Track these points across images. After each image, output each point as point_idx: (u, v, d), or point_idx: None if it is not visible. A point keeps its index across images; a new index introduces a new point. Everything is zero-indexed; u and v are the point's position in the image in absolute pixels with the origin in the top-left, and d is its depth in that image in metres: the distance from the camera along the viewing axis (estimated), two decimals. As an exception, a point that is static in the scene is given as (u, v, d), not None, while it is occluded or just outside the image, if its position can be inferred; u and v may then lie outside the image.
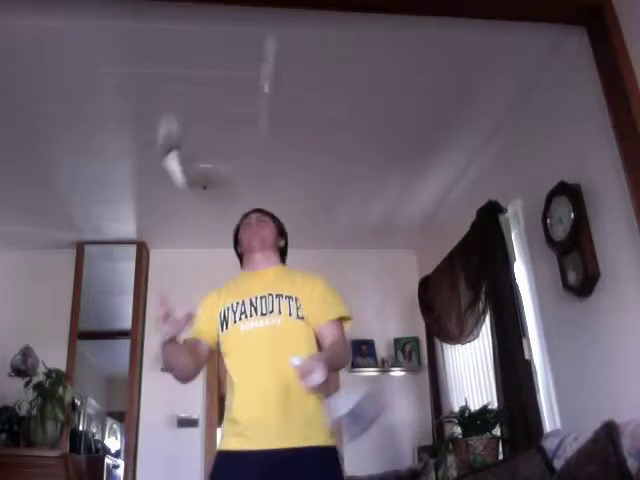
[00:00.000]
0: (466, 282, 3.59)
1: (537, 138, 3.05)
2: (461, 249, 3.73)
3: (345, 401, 1.67)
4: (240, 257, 2.26)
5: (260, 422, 1.84)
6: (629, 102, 2.20)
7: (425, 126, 3.41)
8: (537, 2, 2.45)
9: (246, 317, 1.98)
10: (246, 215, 2.27)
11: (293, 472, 1.77)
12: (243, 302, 2.01)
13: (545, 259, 2.87)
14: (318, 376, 1.67)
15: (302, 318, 1.99)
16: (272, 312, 1.97)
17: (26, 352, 4.31)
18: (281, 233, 2.27)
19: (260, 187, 4.00)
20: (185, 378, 2.02)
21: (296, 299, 2.01)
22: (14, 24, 2.51)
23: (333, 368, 1.87)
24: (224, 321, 2.02)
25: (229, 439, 1.90)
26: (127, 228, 4.56)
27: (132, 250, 4.73)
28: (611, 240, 2.43)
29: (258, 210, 2.27)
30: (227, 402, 2.00)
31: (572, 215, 2.58)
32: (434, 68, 2.91)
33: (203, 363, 2.07)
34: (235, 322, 1.99)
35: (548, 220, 2.77)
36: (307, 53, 2.77)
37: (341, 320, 2.04)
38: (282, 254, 2.26)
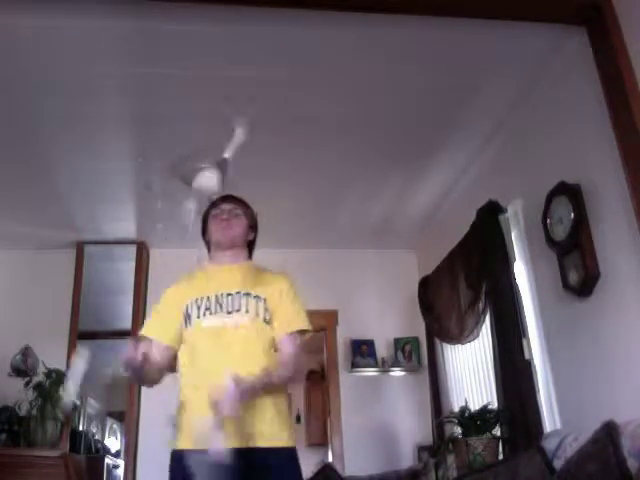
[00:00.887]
0: (466, 282, 3.59)
1: (537, 138, 3.05)
2: (461, 249, 3.73)
3: None
4: (207, 245, 2.18)
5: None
6: (629, 102, 2.20)
7: (425, 126, 3.41)
8: (537, 2, 2.46)
9: (210, 314, 1.93)
10: (216, 202, 2.16)
11: (249, 472, 1.74)
12: (209, 298, 1.95)
13: (545, 259, 2.87)
14: (226, 409, 1.64)
15: (267, 322, 1.95)
16: (239, 311, 1.93)
17: (26, 352, 4.31)
18: (252, 225, 2.19)
19: (260, 187, 3.99)
20: (153, 382, 1.99)
21: (265, 300, 1.97)
22: (14, 24, 2.51)
23: (270, 386, 1.85)
24: (188, 317, 1.96)
25: (185, 438, 1.85)
26: (127, 228, 4.55)
27: (132, 250, 4.73)
28: (611, 240, 2.43)
29: (230, 199, 2.16)
30: (181, 398, 1.95)
31: (572, 215, 2.58)
32: (434, 68, 2.91)
33: (168, 368, 2.01)
34: (198, 317, 1.94)
35: (548, 220, 2.77)
36: (307, 53, 2.77)
37: (300, 332, 2.00)
38: (250, 247, 2.20)
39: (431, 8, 2.45)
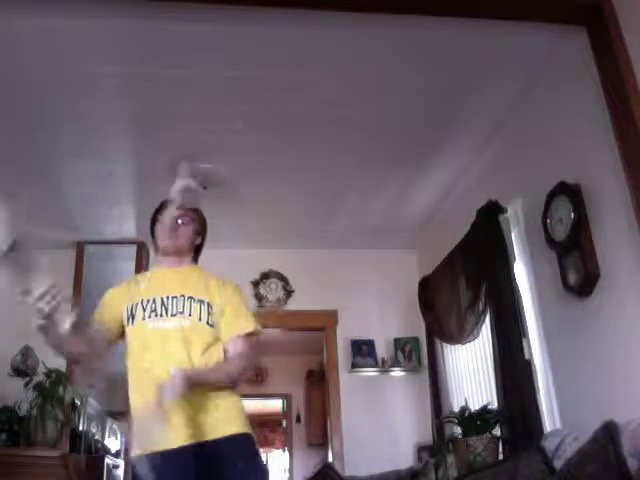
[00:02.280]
0: (466, 282, 3.59)
1: (537, 138, 3.05)
2: (461, 249, 3.73)
3: None
4: (154, 246, 2.18)
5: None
6: (629, 102, 2.20)
7: (425, 126, 3.41)
8: (537, 2, 2.45)
9: (156, 315, 1.96)
10: (164, 206, 2.13)
11: (206, 467, 1.77)
12: (154, 300, 1.98)
13: (545, 259, 2.87)
14: (168, 392, 1.68)
15: (211, 325, 1.98)
16: (182, 313, 1.96)
17: (26, 352, 4.31)
18: (200, 231, 2.19)
19: (260, 187, 4.00)
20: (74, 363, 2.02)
21: (209, 304, 2.00)
22: (14, 24, 2.51)
23: (215, 382, 1.90)
24: (131, 316, 1.98)
25: (143, 443, 1.84)
26: (127, 228, 4.55)
27: (132, 250, 4.72)
28: (611, 240, 2.43)
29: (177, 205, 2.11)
30: (130, 403, 1.98)
31: (572, 215, 2.58)
32: (434, 68, 2.92)
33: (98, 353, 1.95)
34: (144, 319, 1.96)
35: (548, 220, 2.77)
36: (307, 53, 2.77)
37: (247, 334, 2.03)
38: (197, 251, 2.21)
39: (431, 8, 2.45)
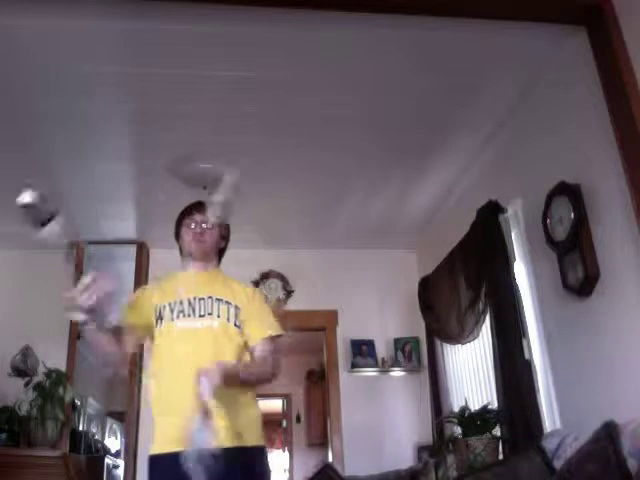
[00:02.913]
0: (466, 282, 3.59)
1: (537, 138, 3.05)
2: (461, 249, 3.73)
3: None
4: (180, 248, 2.23)
5: (181, 423, 1.80)
6: (629, 102, 2.20)
7: (425, 126, 3.41)
8: (537, 2, 2.45)
9: (184, 316, 2.00)
10: (190, 210, 2.18)
11: (223, 471, 1.73)
12: (182, 302, 2.03)
13: (545, 259, 2.87)
14: (205, 385, 1.69)
15: (238, 326, 2.03)
16: (210, 314, 2.01)
17: (26, 352, 4.31)
18: (224, 235, 2.23)
19: (260, 187, 4.00)
20: (113, 367, 2.05)
21: (236, 307, 2.05)
22: (14, 24, 2.51)
23: (243, 381, 1.93)
24: (159, 317, 2.02)
25: (164, 442, 1.88)
26: (127, 228, 4.56)
27: (132, 250, 4.73)
28: (611, 240, 2.43)
29: (203, 209, 2.15)
30: (153, 397, 1.98)
31: (572, 215, 2.58)
32: (434, 68, 2.91)
33: (127, 355, 2.03)
34: (172, 320, 2.00)
35: (548, 220, 2.77)
36: (307, 53, 2.77)
37: (274, 337, 2.08)
38: (220, 254, 2.26)
39: (431, 8, 2.45)
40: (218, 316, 2.01)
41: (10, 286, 4.55)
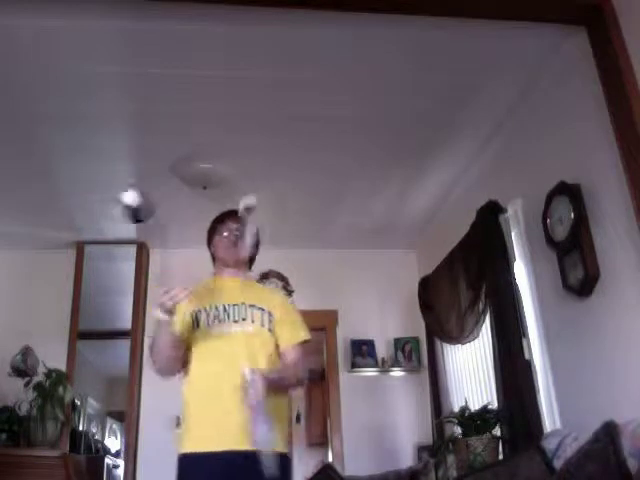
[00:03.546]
0: (466, 282, 3.59)
1: (537, 138, 3.05)
2: (461, 249, 3.73)
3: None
4: (211, 254, 2.32)
5: (220, 424, 1.91)
6: (629, 102, 2.20)
7: (425, 126, 3.41)
8: (537, 2, 2.45)
9: (219, 322, 2.07)
10: (224, 219, 2.25)
11: (247, 476, 1.82)
12: (217, 307, 2.11)
13: (545, 259, 2.87)
14: (252, 396, 1.76)
15: (271, 331, 2.10)
16: (245, 320, 2.08)
17: (26, 352, 4.31)
18: (255, 243, 2.27)
19: (260, 187, 3.99)
20: (169, 372, 2.09)
21: (269, 313, 2.12)
22: (14, 24, 2.51)
23: (277, 388, 1.96)
24: (195, 321, 2.09)
25: (193, 440, 1.96)
26: (127, 228, 4.55)
27: (132, 250, 4.73)
28: (611, 240, 2.43)
29: (237, 217, 2.20)
30: (185, 398, 2.05)
31: (572, 215, 2.58)
32: (434, 68, 2.91)
33: (180, 362, 2.10)
34: (208, 325, 2.07)
35: (548, 220, 2.77)
36: (307, 53, 2.77)
37: (302, 342, 2.15)
38: (251, 262, 2.34)
39: (431, 8, 2.45)
40: (252, 321, 2.08)
41: (10, 286, 4.55)
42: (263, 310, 2.12)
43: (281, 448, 1.96)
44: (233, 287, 2.18)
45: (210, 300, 2.13)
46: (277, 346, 2.13)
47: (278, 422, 1.97)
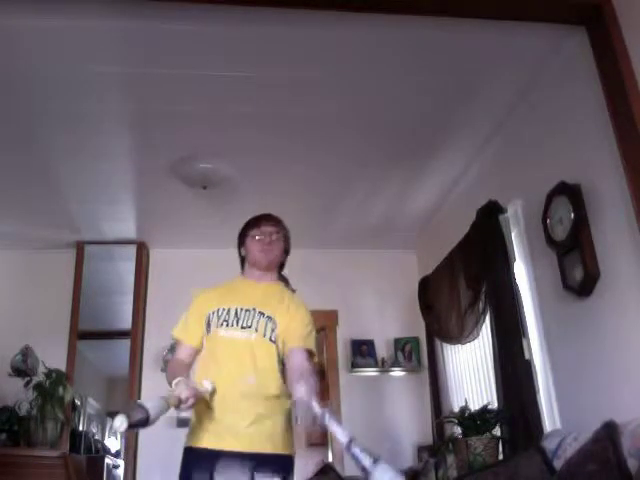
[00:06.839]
0: (466, 282, 3.59)
1: (537, 138, 3.05)
2: (461, 249, 3.73)
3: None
4: (241, 257, 2.31)
5: (222, 426, 1.97)
6: (629, 102, 2.20)
7: (425, 126, 3.41)
8: (537, 2, 2.45)
9: (227, 325, 2.09)
10: (258, 222, 2.26)
11: (253, 476, 1.89)
12: (229, 310, 2.12)
13: (545, 259, 2.87)
14: (307, 419, 1.77)
15: (273, 341, 2.08)
16: (250, 327, 2.08)
17: (26, 352, 4.31)
18: (287, 249, 2.31)
19: (260, 187, 4.00)
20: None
21: (274, 321, 2.10)
22: (14, 24, 2.51)
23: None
24: (208, 325, 2.13)
25: (200, 436, 2.02)
26: (127, 228, 4.56)
27: (132, 250, 4.73)
28: (611, 240, 2.43)
29: (273, 220, 2.26)
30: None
31: (572, 215, 2.58)
32: (434, 68, 2.91)
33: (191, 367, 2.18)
34: (217, 327, 2.10)
35: (548, 220, 2.77)
36: (307, 53, 2.77)
37: (309, 352, 2.12)
38: (281, 267, 2.34)
39: (431, 8, 2.45)
40: (256, 330, 2.07)
41: (10, 286, 4.55)
42: (270, 318, 2.10)
43: (287, 450, 2.02)
44: (252, 291, 2.19)
45: (225, 301, 2.15)
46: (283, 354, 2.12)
47: (283, 423, 2.03)
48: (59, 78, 2.86)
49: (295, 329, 2.11)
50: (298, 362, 2.02)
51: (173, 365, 2.17)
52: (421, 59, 2.85)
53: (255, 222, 2.26)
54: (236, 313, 2.11)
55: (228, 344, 2.07)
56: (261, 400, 2.00)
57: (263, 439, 1.97)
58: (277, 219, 2.28)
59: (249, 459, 1.91)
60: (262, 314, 2.11)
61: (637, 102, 2.18)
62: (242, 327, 2.08)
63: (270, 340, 2.08)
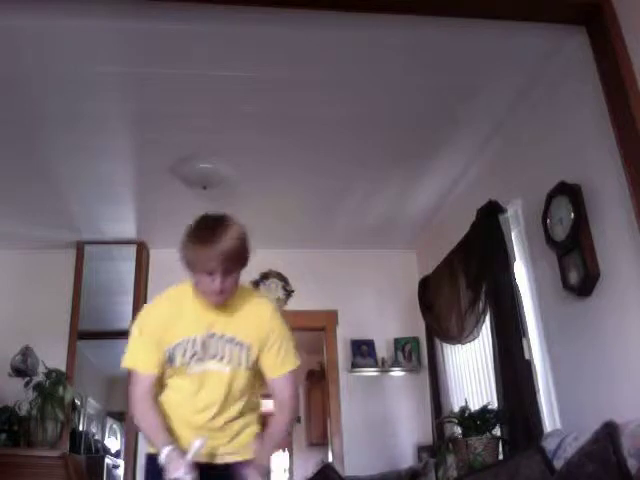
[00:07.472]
0: (466, 282, 3.59)
1: (537, 138, 3.05)
2: (461, 249, 3.73)
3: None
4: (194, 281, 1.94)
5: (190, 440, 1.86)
6: (629, 102, 2.20)
7: (425, 126, 3.41)
8: (537, 2, 2.45)
9: (197, 360, 1.90)
10: (199, 257, 1.79)
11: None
12: (195, 340, 1.90)
13: (545, 259, 2.87)
14: None
15: (250, 369, 1.97)
16: (222, 358, 1.91)
17: (26, 352, 4.31)
18: (244, 264, 1.90)
19: (260, 187, 4.00)
20: None
21: (248, 347, 1.94)
22: (14, 24, 2.51)
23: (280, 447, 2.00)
24: (171, 357, 1.91)
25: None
26: (127, 228, 4.56)
27: (132, 250, 4.73)
28: (611, 240, 2.43)
29: (220, 252, 1.76)
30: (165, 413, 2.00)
31: (572, 215, 2.58)
32: (434, 68, 2.91)
33: None
34: (183, 365, 1.91)
35: (548, 220, 2.77)
36: (307, 53, 2.77)
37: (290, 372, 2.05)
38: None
39: (431, 8, 2.45)
40: (229, 361, 1.92)
41: (10, 286, 4.55)
42: (242, 345, 1.92)
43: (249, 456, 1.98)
44: (217, 314, 1.92)
45: (187, 328, 1.91)
46: (263, 373, 2.03)
47: (256, 428, 2.05)
48: (59, 78, 2.86)
49: (269, 358, 1.98)
50: (277, 392, 2.02)
51: (142, 407, 1.91)
52: (421, 59, 2.85)
53: (201, 257, 1.78)
54: (203, 343, 1.90)
55: (197, 379, 1.92)
56: (235, 420, 1.99)
57: (241, 450, 1.98)
58: (226, 247, 1.77)
59: (223, 469, 1.92)
60: (232, 340, 1.92)
61: (637, 102, 2.18)
62: (212, 356, 1.91)
63: (247, 368, 1.95)
